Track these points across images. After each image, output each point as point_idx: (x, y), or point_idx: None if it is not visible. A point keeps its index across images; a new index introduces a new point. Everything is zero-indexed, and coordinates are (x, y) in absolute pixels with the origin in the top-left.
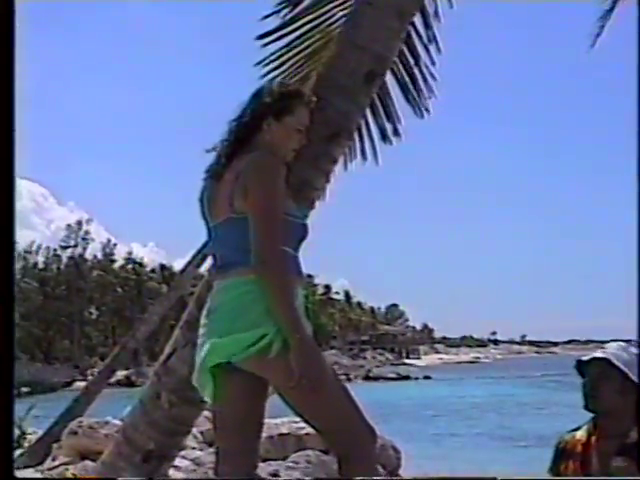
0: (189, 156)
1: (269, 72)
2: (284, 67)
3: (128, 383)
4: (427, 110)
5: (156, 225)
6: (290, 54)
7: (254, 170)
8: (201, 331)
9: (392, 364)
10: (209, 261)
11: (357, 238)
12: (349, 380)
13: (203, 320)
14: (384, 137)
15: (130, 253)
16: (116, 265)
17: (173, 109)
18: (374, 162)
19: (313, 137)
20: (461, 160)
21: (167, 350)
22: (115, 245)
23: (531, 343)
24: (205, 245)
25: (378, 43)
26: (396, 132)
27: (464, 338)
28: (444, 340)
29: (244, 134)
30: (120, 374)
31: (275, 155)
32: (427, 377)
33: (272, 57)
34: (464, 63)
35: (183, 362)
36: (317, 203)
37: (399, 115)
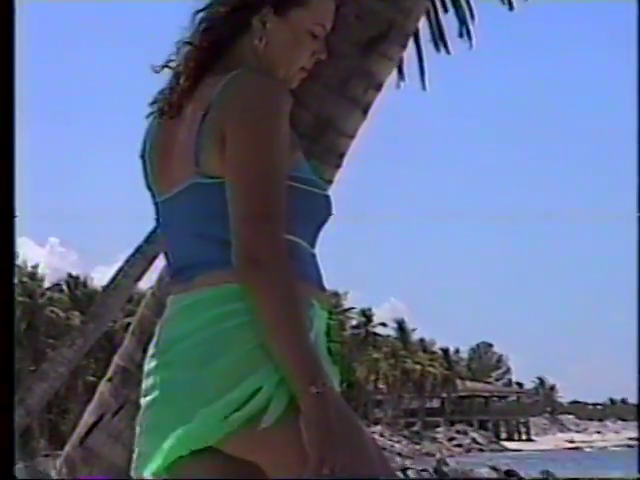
0: (120, 82)
1: None
2: None
3: None
4: None
5: (62, 207)
6: None
7: (237, 99)
8: (146, 383)
9: (482, 449)
10: (159, 263)
11: (416, 227)
12: (406, 478)
13: (149, 364)
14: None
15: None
16: None
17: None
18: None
19: (340, 44)
20: None
21: (86, 419)
22: None
23: None
24: (152, 235)
25: None
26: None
27: (612, 404)
28: (574, 407)
29: (219, 37)
30: None
31: (273, 76)
32: (545, 474)
33: None
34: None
35: (115, 439)
36: (347, 159)
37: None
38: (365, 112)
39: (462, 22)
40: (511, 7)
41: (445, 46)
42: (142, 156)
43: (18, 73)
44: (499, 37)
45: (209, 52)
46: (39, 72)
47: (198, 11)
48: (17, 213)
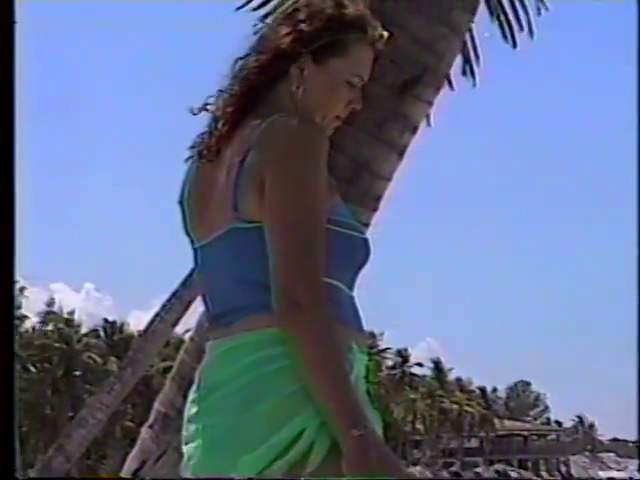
0: (148, 130)
1: None
2: None
3: None
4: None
5: (96, 253)
6: None
7: (276, 144)
8: (187, 430)
9: None
10: (198, 308)
11: (451, 266)
12: None
13: (190, 410)
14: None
15: (51, 303)
16: (27, 325)
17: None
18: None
19: (375, 88)
20: None
21: (128, 466)
22: (23, 290)
23: None
24: (188, 279)
25: None
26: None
27: None
28: (615, 445)
29: (258, 83)
30: None
31: (311, 121)
32: None
33: None
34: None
35: None
36: (384, 202)
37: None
38: (401, 155)
39: (466, 60)
40: (515, 45)
41: (449, 82)
42: (180, 202)
43: (18, 74)
44: (502, 74)
45: (247, 97)
46: (39, 73)
47: (238, 59)
48: (53, 258)
